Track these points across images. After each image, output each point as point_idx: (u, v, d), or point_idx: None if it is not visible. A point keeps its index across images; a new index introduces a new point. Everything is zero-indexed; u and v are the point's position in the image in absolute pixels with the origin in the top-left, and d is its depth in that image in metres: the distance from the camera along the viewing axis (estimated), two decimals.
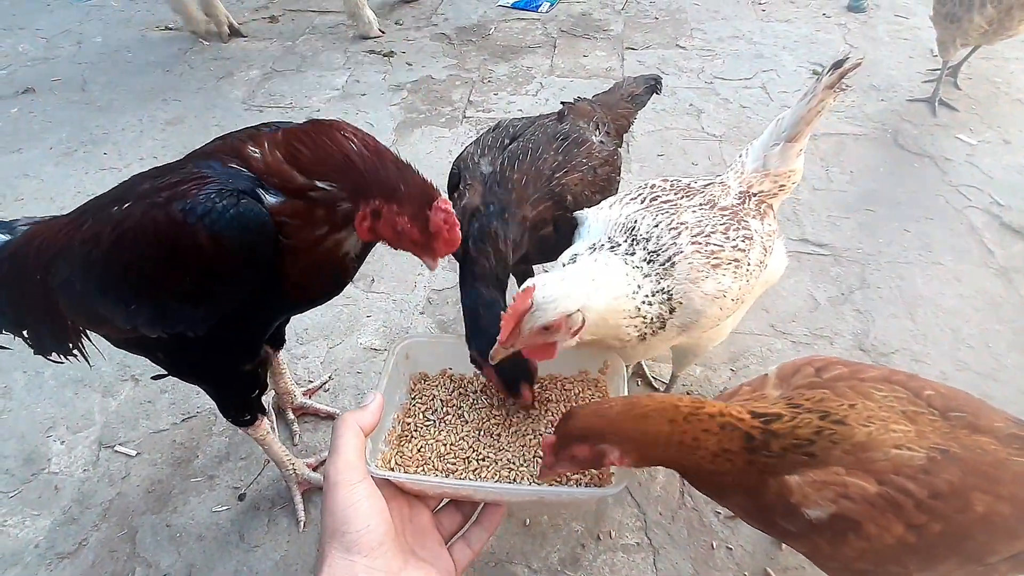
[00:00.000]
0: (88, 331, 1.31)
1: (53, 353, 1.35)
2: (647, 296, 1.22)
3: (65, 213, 1.24)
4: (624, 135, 1.80)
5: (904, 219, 2.38)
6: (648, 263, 1.24)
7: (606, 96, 1.84)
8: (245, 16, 4.07)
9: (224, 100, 3.26)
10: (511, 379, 1.15)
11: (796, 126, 1.42)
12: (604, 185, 1.57)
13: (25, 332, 1.32)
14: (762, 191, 1.45)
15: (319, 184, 1.07)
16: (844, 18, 3.75)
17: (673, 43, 3.60)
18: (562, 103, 1.72)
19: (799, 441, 0.93)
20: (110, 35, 3.94)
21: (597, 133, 1.63)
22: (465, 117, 3.06)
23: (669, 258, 1.24)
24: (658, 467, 1.64)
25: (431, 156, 2.79)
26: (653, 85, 1.93)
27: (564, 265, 1.26)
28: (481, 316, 1.23)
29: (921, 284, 2.12)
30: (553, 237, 1.46)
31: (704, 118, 2.98)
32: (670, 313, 1.24)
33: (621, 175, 1.67)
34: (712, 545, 1.49)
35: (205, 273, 1.08)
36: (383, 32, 3.78)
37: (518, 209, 1.38)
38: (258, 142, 1.12)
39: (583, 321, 1.10)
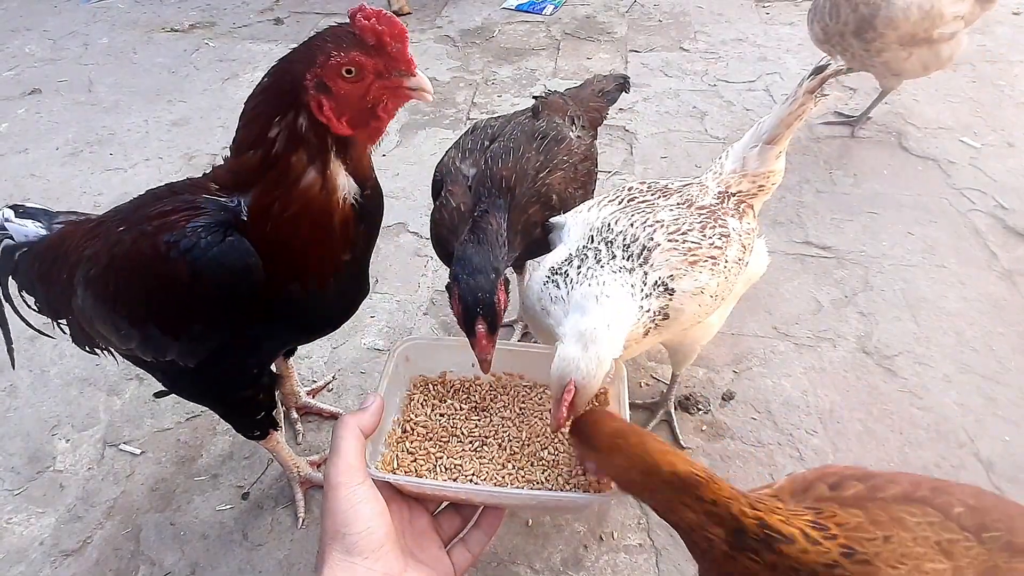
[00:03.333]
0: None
1: (86, 347, 1.38)
2: (643, 294, 1.23)
3: (97, 215, 1.27)
4: (598, 128, 1.84)
5: (908, 222, 2.38)
6: (630, 259, 1.25)
7: (577, 91, 1.88)
8: (250, 18, 4.09)
9: (229, 101, 3.27)
10: (471, 311, 1.10)
11: (776, 129, 1.44)
12: (585, 180, 1.60)
13: (63, 322, 1.36)
14: (741, 191, 1.47)
15: (269, 134, 0.97)
16: None
17: (677, 46, 3.61)
18: (534, 97, 1.75)
19: (800, 568, 0.83)
20: (116, 36, 3.97)
21: (574, 128, 1.65)
22: (469, 119, 3.07)
23: (644, 247, 1.26)
24: None
25: (434, 158, 2.76)
26: (623, 83, 1.98)
27: (551, 274, 1.26)
28: (472, 255, 1.22)
29: (924, 287, 2.12)
30: (543, 236, 1.48)
31: (707, 120, 2.98)
32: (670, 300, 1.25)
33: (599, 167, 1.70)
34: None
35: (186, 308, 1.06)
36: (410, 11, 3.95)
37: (509, 216, 1.38)
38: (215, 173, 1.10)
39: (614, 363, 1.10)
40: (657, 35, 3.72)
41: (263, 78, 1.00)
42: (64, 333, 1.39)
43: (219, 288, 1.01)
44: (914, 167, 2.65)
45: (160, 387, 1.36)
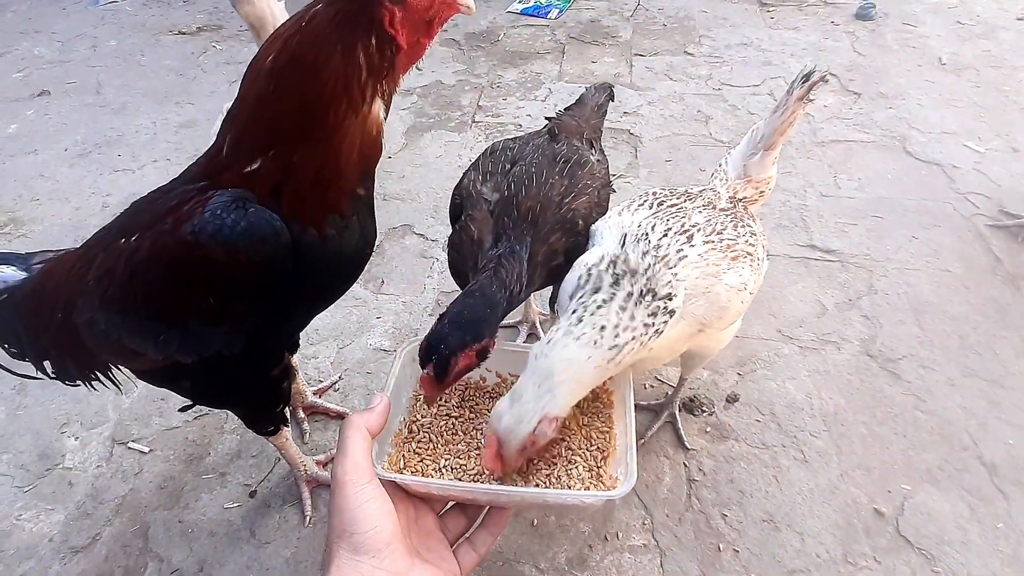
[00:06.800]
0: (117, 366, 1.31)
1: (76, 381, 1.35)
2: (649, 311, 1.18)
3: (76, 247, 1.23)
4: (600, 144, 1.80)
5: (912, 226, 2.39)
6: (639, 293, 1.20)
7: (580, 110, 1.82)
8: None
9: None
10: (426, 355, 1.11)
11: (771, 136, 1.50)
12: (606, 206, 1.56)
13: (47, 363, 1.32)
14: (745, 197, 1.52)
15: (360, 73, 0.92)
16: (852, 26, 3.76)
17: (681, 50, 3.62)
18: (547, 119, 1.70)
19: None
20: (124, 39, 4.00)
21: (593, 151, 1.61)
22: (474, 122, 3.09)
23: (672, 267, 1.23)
24: (664, 470, 1.65)
25: (440, 160, 2.82)
26: (610, 92, 1.96)
27: (582, 278, 1.24)
28: (471, 305, 1.19)
29: (928, 291, 2.13)
30: (563, 264, 1.41)
31: (712, 124, 2.99)
32: (669, 317, 1.22)
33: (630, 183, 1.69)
34: (719, 547, 1.50)
35: (226, 292, 1.04)
36: None
37: (531, 248, 1.34)
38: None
39: (556, 418, 1.08)
40: (662, 39, 3.74)
41: (316, 7, 0.91)
42: (49, 376, 1.35)
43: (255, 259, 1.00)
44: (918, 171, 2.66)
45: (184, 402, 1.35)
